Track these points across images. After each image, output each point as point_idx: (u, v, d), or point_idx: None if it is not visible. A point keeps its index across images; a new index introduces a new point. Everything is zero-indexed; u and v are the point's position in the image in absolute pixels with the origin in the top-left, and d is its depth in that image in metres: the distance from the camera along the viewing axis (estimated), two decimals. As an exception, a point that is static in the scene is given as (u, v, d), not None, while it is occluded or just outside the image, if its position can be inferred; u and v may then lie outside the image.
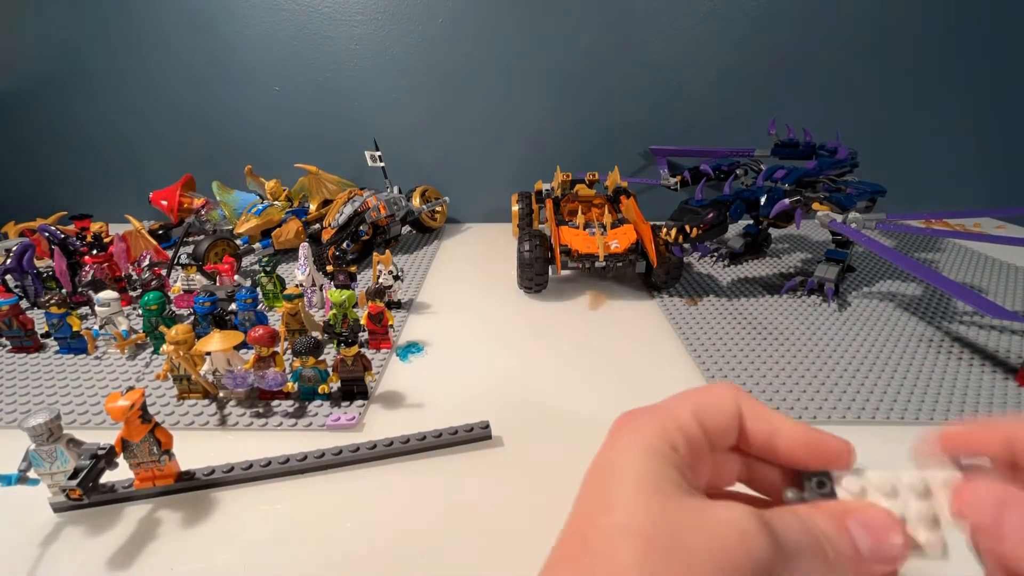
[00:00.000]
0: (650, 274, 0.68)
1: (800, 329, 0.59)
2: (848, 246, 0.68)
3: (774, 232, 0.89)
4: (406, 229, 0.94)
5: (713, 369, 0.51)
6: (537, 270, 0.66)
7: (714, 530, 0.16)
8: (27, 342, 0.55)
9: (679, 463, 0.18)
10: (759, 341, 0.56)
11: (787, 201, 0.61)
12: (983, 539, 0.17)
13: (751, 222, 0.81)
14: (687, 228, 0.60)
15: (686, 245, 0.62)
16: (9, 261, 0.64)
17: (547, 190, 0.84)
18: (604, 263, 0.64)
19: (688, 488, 0.17)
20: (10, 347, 0.55)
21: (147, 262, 0.67)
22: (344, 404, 0.46)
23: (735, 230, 0.82)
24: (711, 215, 0.60)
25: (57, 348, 0.55)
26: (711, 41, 0.91)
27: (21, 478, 0.33)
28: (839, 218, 0.61)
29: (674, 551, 0.16)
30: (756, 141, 0.89)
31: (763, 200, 0.62)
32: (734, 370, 0.51)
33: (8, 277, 0.65)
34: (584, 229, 0.69)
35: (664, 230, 0.62)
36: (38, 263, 0.70)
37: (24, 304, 0.64)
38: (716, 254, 0.81)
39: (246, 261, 0.81)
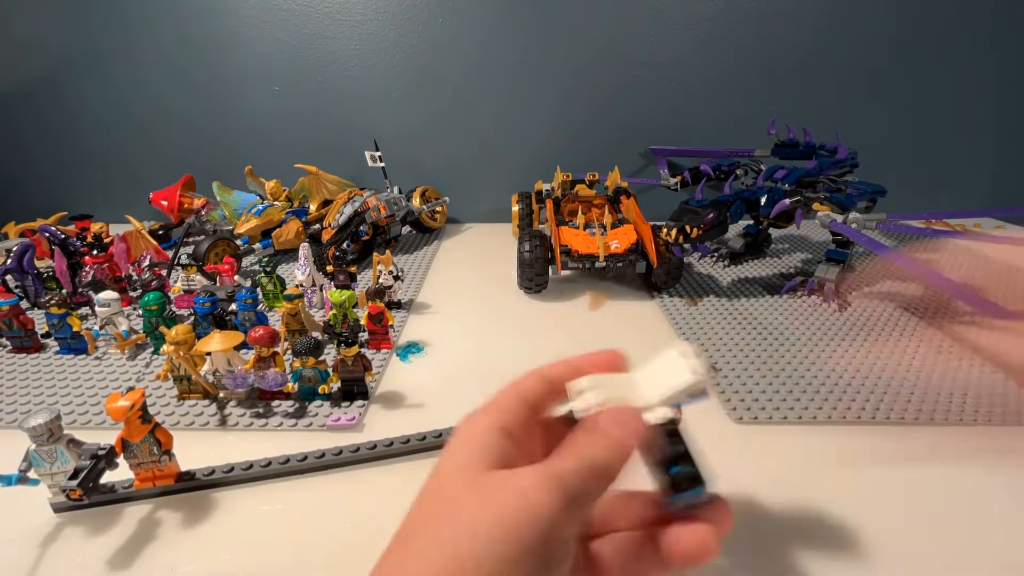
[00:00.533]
0: (650, 274, 0.68)
1: (800, 329, 0.59)
2: (849, 246, 0.68)
3: (774, 232, 0.89)
4: (406, 229, 0.94)
5: (713, 369, 0.51)
6: (537, 270, 0.66)
7: (502, 499, 0.19)
8: (27, 342, 0.55)
9: (501, 443, 0.22)
10: (759, 341, 0.56)
11: (787, 201, 0.61)
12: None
13: (751, 222, 0.81)
14: (687, 228, 0.60)
15: (686, 245, 0.62)
16: (10, 261, 0.64)
17: (547, 190, 0.84)
18: (604, 263, 0.64)
19: (503, 463, 0.21)
20: (10, 347, 0.55)
21: (147, 262, 0.67)
22: (344, 404, 0.46)
23: (735, 230, 0.81)
24: (711, 215, 0.60)
25: (57, 348, 0.55)
26: (711, 41, 0.91)
27: (21, 478, 0.33)
28: (839, 218, 0.61)
29: (474, 524, 0.18)
30: (756, 141, 0.89)
31: (763, 200, 0.62)
32: (734, 370, 0.51)
33: (8, 277, 0.65)
34: (584, 229, 0.69)
35: (664, 230, 0.62)
36: (38, 263, 0.70)
37: (24, 304, 0.64)
38: (716, 254, 0.81)
39: (246, 261, 0.81)
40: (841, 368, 0.51)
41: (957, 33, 0.91)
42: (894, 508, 0.35)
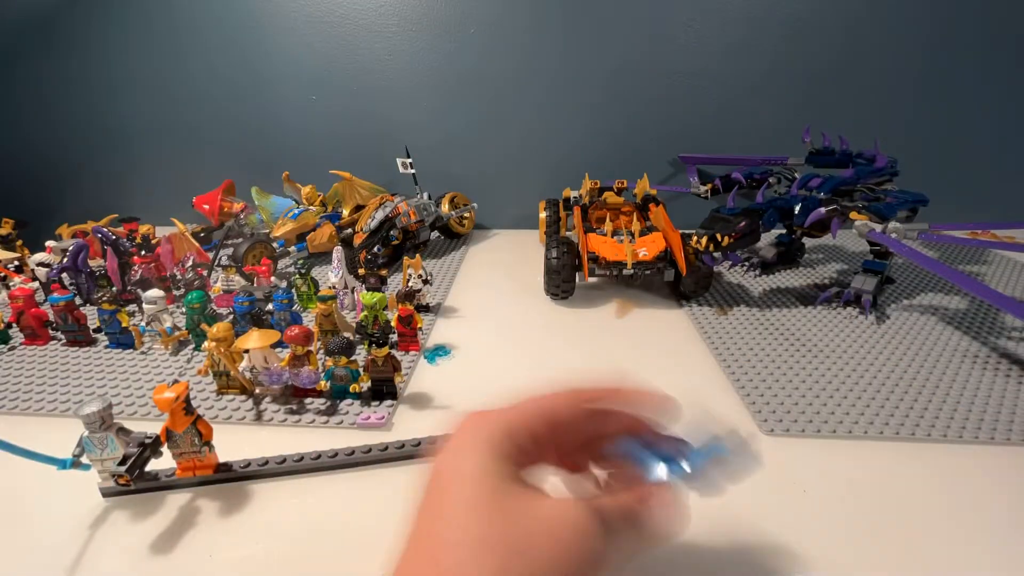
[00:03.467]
0: (679, 283, 0.67)
1: (835, 342, 0.57)
2: (887, 257, 0.66)
3: (808, 242, 0.87)
4: (435, 235, 0.96)
5: (743, 380, 0.50)
6: (564, 277, 0.66)
7: (549, 529, 0.18)
8: (80, 336, 0.58)
9: (513, 454, 0.21)
10: (791, 353, 0.55)
11: (823, 210, 0.59)
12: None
13: (784, 231, 0.79)
14: (718, 236, 0.59)
15: (717, 254, 0.61)
16: (66, 260, 0.68)
17: (575, 197, 0.84)
18: (632, 271, 0.64)
19: (515, 475, 0.20)
20: (65, 341, 0.59)
21: (190, 263, 0.70)
22: (374, 404, 0.47)
23: (767, 239, 0.80)
24: (743, 223, 0.59)
25: (107, 343, 0.58)
26: (744, 49, 0.90)
27: (75, 463, 0.35)
28: (878, 228, 0.59)
29: (515, 558, 0.17)
30: (789, 149, 0.87)
31: (797, 209, 0.61)
32: (765, 381, 0.50)
33: (64, 275, 0.69)
34: (612, 236, 0.69)
35: (695, 238, 0.61)
36: (91, 263, 0.74)
37: (78, 301, 0.68)
38: (747, 263, 0.79)
39: (282, 263, 0.84)
40: (879, 382, 0.49)
41: (1002, 34, 0.88)
42: (931, 528, 0.34)
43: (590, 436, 0.24)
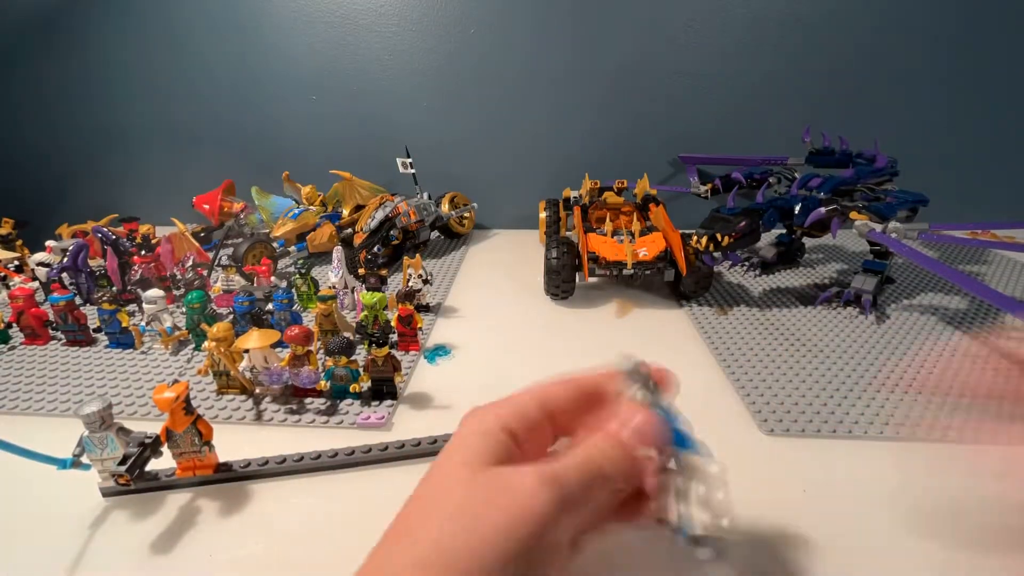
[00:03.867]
0: (679, 283, 0.67)
1: (835, 342, 0.57)
2: (887, 257, 0.66)
3: (808, 242, 0.87)
4: (435, 234, 0.96)
5: (743, 380, 0.50)
6: (564, 277, 0.66)
7: (500, 497, 0.20)
8: (80, 336, 0.58)
9: (501, 441, 0.22)
10: (791, 353, 0.55)
11: (823, 210, 0.59)
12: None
13: (784, 231, 0.79)
14: (718, 236, 0.59)
15: (717, 254, 0.61)
16: (66, 260, 0.68)
17: (575, 197, 0.84)
18: (632, 271, 0.64)
19: (498, 460, 0.21)
20: (65, 340, 0.59)
21: (190, 263, 0.70)
22: (374, 404, 0.47)
23: (767, 239, 0.80)
24: (743, 223, 0.59)
25: (107, 343, 0.58)
26: (745, 49, 0.90)
27: (75, 462, 0.35)
28: (878, 228, 0.59)
29: (466, 519, 0.19)
30: (789, 149, 0.87)
31: (798, 209, 0.61)
32: (765, 381, 0.50)
33: (64, 275, 0.69)
34: (612, 236, 0.69)
35: (694, 238, 0.61)
36: (90, 263, 0.74)
37: (78, 300, 0.68)
38: (747, 263, 0.79)
39: (282, 263, 0.84)
40: (878, 382, 0.49)
41: (1002, 34, 0.88)
42: (931, 528, 0.34)
43: (589, 418, 0.25)
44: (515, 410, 0.24)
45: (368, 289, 0.57)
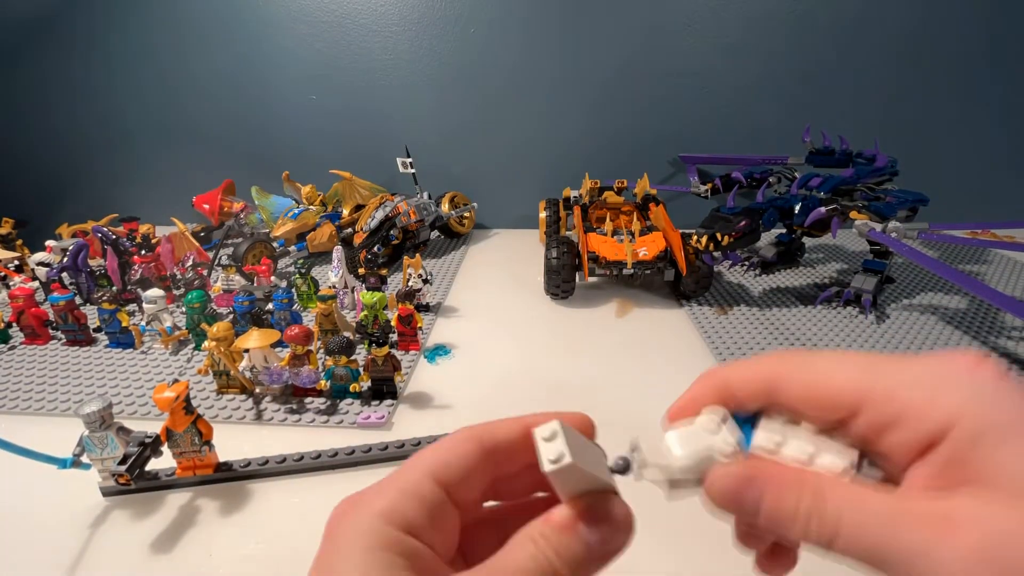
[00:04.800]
0: (679, 282, 0.67)
1: (835, 341, 0.57)
2: (887, 256, 0.66)
3: (808, 241, 0.87)
4: (435, 234, 0.96)
5: (743, 379, 0.50)
6: (564, 276, 0.66)
7: None
8: (80, 336, 0.58)
9: (410, 546, 0.15)
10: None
11: (823, 210, 0.59)
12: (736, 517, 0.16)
13: (784, 231, 0.79)
14: (718, 236, 0.59)
15: (717, 253, 0.61)
16: (66, 260, 0.68)
17: (575, 197, 0.84)
18: (632, 270, 0.64)
19: (422, 570, 0.15)
20: (65, 340, 0.59)
21: (190, 263, 0.70)
22: (374, 403, 0.47)
23: (767, 238, 0.80)
24: (743, 223, 0.59)
25: (107, 342, 0.58)
26: (743, 49, 0.90)
27: (75, 462, 0.35)
28: (878, 227, 0.59)
29: None
30: (789, 149, 0.87)
31: (797, 208, 0.61)
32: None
33: (64, 275, 0.69)
34: (612, 236, 0.69)
35: (695, 237, 0.61)
36: (91, 262, 0.74)
37: (78, 300, 0.68)
38: (747, 263, 0.79)
39: (282, 263, 0.84)
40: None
41: (1002, 33, 0.88)
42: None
43: (505, 484, 0.18)
44: (408, 494, 0.16)
45: (368, 289, 0.57)
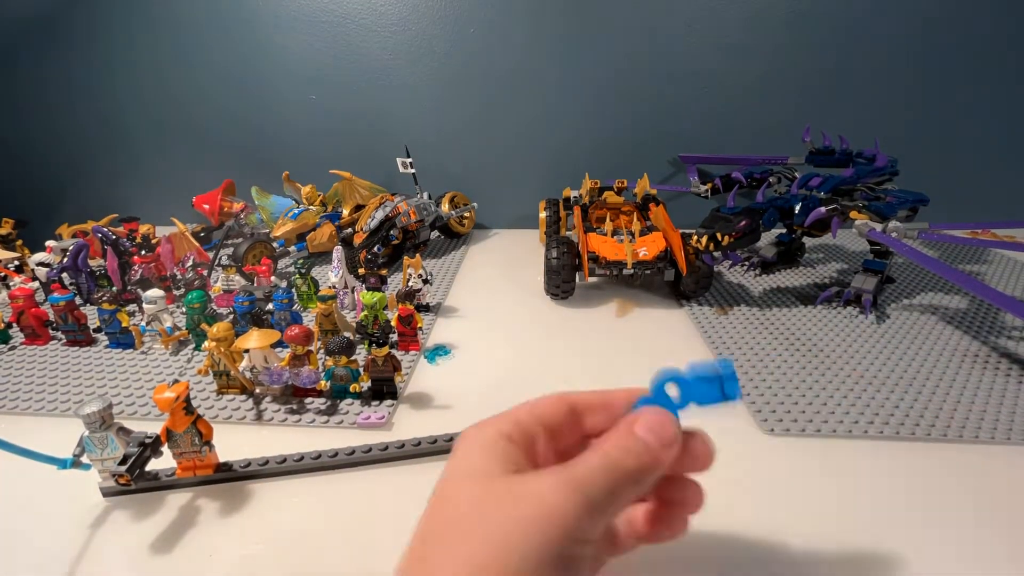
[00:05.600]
0: (679, 282, 0.67)
1: (835, 342, 0.57)
2: (887, 256, 0.66)
3: (808, 241, 0.87)
4: (435, 234, 0.96)
5: (743, 380, 0.50)
6: (564, 277, 0.66)
7: (520, 506, 0.19)
8: (80, 336, 0.58)
9: (510, 451, 0.22)
10: (791, 353, 0.55)
11: (823, 210, 0.59)
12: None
13: (784, 231, 0.79)
14: (718, 236, 0.59)
15: (717, 253, 0.61)
16: (66, 260, 0.68)
17: (575, 197, 0.84)
18: (632, 270, 0.64)
19: (515, 469, 0.21)
20: (65, 340, 0.59)
21: (190, 263, 0.70)
22: (374, 403, 0.47)
23: (767, 238, 0.80)
24: (743, 223, 0.59)
25: (107, 343, 0.58)
26: (743, 49, 0.90)
27: (75, 462, 0.35)
28: (879, 227, 0.59)
29: (491, 531, 0.18)
30: (789, 149, 0.87)
31: (798, 208, 0.61)
32: (765, 381, 0.50)
33: (64, 275, 0.69)
34: (612, 236, 0.69)
35: (695, 237, 0.61)
36: (91, 262, 0.74)
37: (78, 300, 0.68)
38: (748, 263, 0.79)
39: (282, 263, 0.84)
40: (879, 382, 0.49)
41: (1002, 33, 0.88)
42: (931, 527, 0.34)
43: (579, 434, 0.25)
44: (515, 421, 0.23)
45: (368, 289, 0.57)
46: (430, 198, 0.89)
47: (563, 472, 0.20)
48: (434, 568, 0.18)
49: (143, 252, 0.72)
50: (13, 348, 0.58)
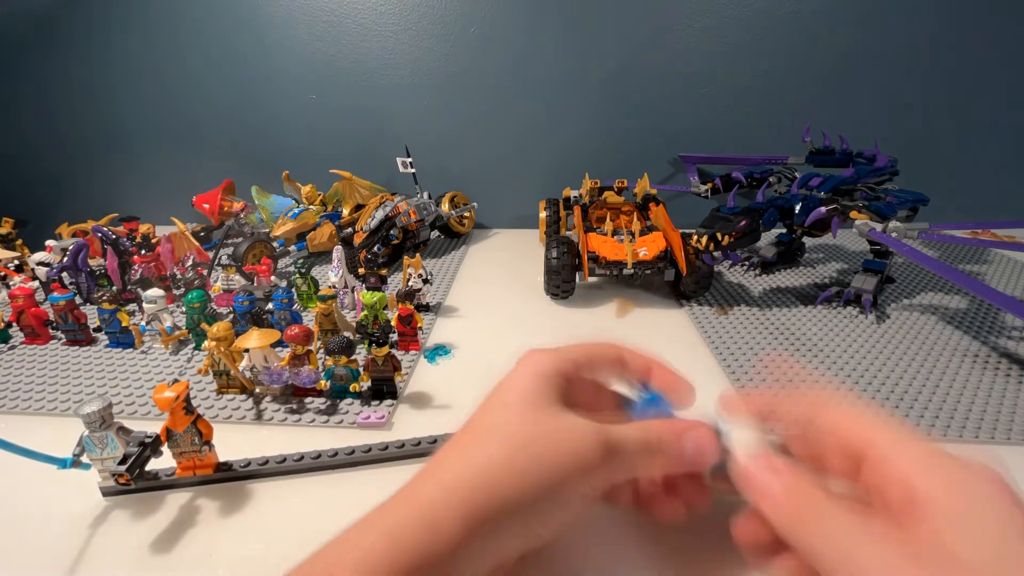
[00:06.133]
0: (679, 282, 0.67)
1: (835, 341, 0.57)
2: (887, 256, 0.66)
3: (808, 241, 0.87)
4: (435, 234, 0.96)
5: (744, 379, 0.50)
6: (564, 277, 0.66)
7: (561, 435, 0.23)
8: (80, 335, 0.58)
9: (560, 384, 0.25)
10: (792, 352, 0.55)
11: (823, 209, 0.59)
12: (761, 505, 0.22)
13: (784, 231, 0.79)
14: (718, 235, 0.59)
15: (717, 253, 0.61)
16: (66, 260, 0.68)
17: (575, 197, 0.84)
18: (632, 270, 0.64)
19: (560, 404, 0.24)
20: (65, 340, 0.59)
21: (190, 262, 0.70)
22: (374, 403, 0.47)
23: (767, 238, 0.80)
24: (743, 222, 0.59)
25: (107, 342, 0.58)
26: (744, 49, 0.90)
27: (75, 462, 0.35)
28: (879, 227, 0.59)
29: (529, 446, 0.22)
30: (790, 149, 0.87)
31: (798, 208, 0.61)
32: (765, 380, 0.50)
33: (64, 275, 0.69)
34: (612, 236, 0.69)
35: (695, 237, 0.61)
36: (91, 262, 0.74)
37: (78, 300, 0.68)
38: (748, 263, 0.79)
39: (282, 263, 0.84)
40: (879, 382, 0.49)
41: (1003, 33, 0.88)
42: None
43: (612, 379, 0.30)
44: (568, 359, 0.26)
45: (368, 289, 0.57)
46: (430, 198, 0.89)
47: (604, 427, 0.24)
48: (472, 451, 0.22)
49: (143, 252, 0.72)
50: (13, 348, 0.58)
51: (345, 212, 0.90)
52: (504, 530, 0.21)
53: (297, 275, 0.67)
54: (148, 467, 0.36)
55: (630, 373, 0.29)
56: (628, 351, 0.29)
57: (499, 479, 0.21)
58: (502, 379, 0.26)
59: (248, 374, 0.48)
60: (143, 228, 0.83)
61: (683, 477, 0.27)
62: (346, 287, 0.66)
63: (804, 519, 0.19)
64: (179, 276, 0.70)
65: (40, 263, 0.72)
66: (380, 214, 0.78)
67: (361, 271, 0.66)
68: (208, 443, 0.37)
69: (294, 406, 0.47)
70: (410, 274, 0.63)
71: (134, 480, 0.34)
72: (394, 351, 0.51)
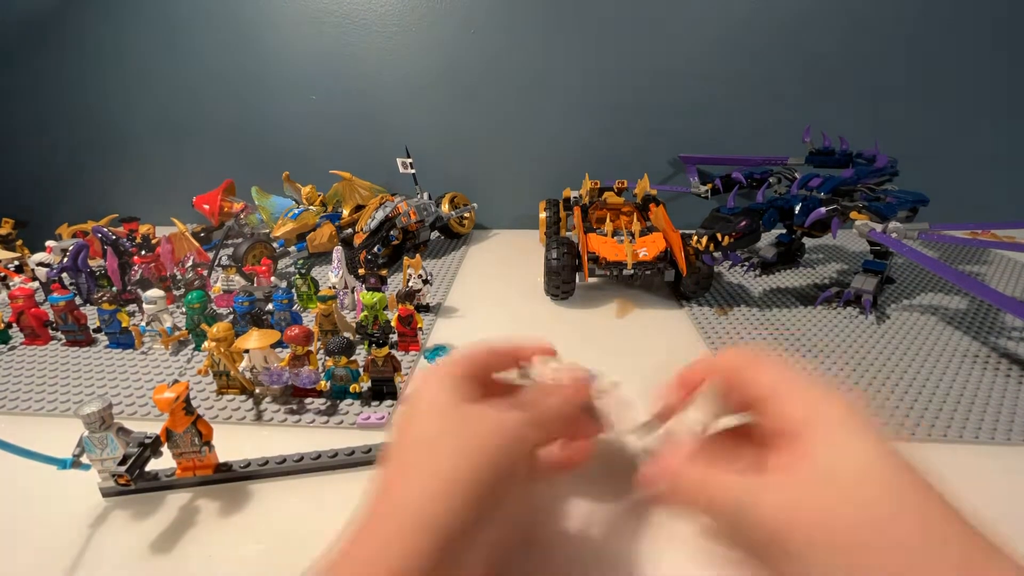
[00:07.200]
0: (679, 283, 0.67)
1: (835, 342, 0.57)
2: (887, 257, 0.66)
3: (808, 241, 0.87)
4: (435, 235, 0.96)
5: (743, 380, 0.50)
6: (564, 277, 0.66)
7: (481, 422, 0.26)
8: (80, 336, 0.58)
9: (463, 385, 0.28)
10: (791, 353, 0.55)
11: (823, 210, 0.59)
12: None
13: (784, 231, 0.79)
14: (718, 236, 0.59)
15: (717, 254, 0.61)
16: (66, 260, 0.68)
17: (575, 197, 0.84)
18: (632, 271, 0.64)
19: (469, 400, 0.27)
20: (65, 341, 0.59)
21: (190, 263, 0.70)
22: (374, 404, 0.47)
23: (767, 239, 0.80)
24: (744, 223, 0.59)
25: (107, 343, 0.58)
26: (745, 49, 0.90)
27: (75, 463, 0.35)
28: (879, 227, 0.59)
29: (457, 444, 0.25)
30: (790, 149, 0.87)
31: (798, 209, 0.61)
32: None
33: (64, 275, 0.69)
34: (612, 237, 0.69)
35: (695, 238, 0.61)
36: (91, 263, 0.74)
37: (78, 301, 0.68)
38: (747, 263, 0.79)
39: (282, 263, 0.84)
40: (879, 382, 0.49)
41: (1003, 33, 0.88)
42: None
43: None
44: (463, 362, 0.30)
45: (368, 289, 0.57)
46: (430, 198, 0.89)
47: (511, 400, 0.29)
48: (409, 481, 0.24)
49: (143, 252, 0.72)
50: (13, 348, 0.58)
51: (345, 213, 0.90)
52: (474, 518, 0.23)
53: (297, 276, 0.67)
54: (148, 468, 0.36)
55: (525, 362, 0.33)
56: (496, 347, 0.33)
57: (452, 482, 0.23)
58: (412, 394, 0.29)
59: (248, 375, 0.48)
60: (143, 229, 0.83)
61: (580, 424, 0.32)
62: (346, 288, 0.66)
63: (695, 497, 0.24)
64: (179, 277, 0.70)
65: (40, 264, 0.72)
66: (380, 215, 0.78)
67: (361, 272, 0.66)
68: (208, 444, 0.37)
69: (294, 407, 0.47)
70: (410, 275, 0.63)
71: (134, 481, 0.34)
72: (394, 352, 0.51)
